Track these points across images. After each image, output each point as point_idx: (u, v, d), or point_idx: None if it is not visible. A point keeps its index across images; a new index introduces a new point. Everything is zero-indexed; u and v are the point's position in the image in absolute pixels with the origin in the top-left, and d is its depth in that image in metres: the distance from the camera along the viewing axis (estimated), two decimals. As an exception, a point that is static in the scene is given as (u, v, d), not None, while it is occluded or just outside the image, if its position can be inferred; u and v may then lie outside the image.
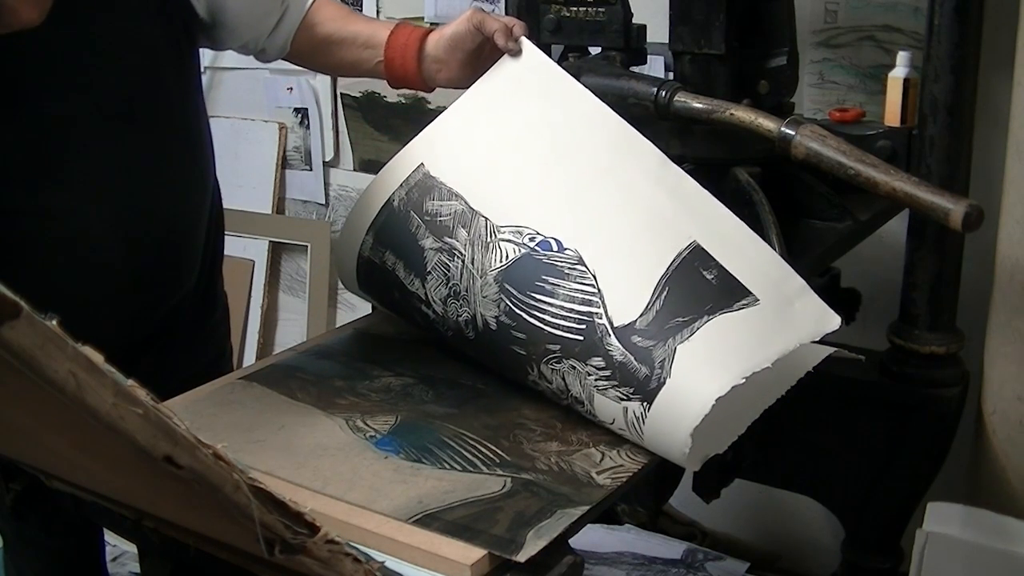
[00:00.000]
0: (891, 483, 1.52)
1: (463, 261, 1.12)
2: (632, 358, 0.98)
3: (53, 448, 0.81)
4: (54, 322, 0.54)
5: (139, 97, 1.20)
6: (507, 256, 1.09)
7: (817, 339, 1.00)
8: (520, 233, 1.10)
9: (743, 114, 1.23)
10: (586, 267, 1.05)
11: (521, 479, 0.96)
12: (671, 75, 1.50)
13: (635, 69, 1.44)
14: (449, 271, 1.13)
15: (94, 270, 1.21)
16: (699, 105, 1.26)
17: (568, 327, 1.03)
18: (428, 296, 1.15)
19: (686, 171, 1.12)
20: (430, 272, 1.15)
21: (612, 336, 1.00)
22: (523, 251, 1.08)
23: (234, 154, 2.55)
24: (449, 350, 1.21)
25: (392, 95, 2.34)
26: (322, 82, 2.45)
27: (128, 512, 0.93)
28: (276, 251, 2.64)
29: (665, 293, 1.01)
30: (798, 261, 1.12)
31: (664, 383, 0.96)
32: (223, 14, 1.28)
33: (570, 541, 0.89)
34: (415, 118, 2.24)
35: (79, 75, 1.14)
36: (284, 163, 2.57)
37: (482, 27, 1.23)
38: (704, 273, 1.03)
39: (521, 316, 1.06)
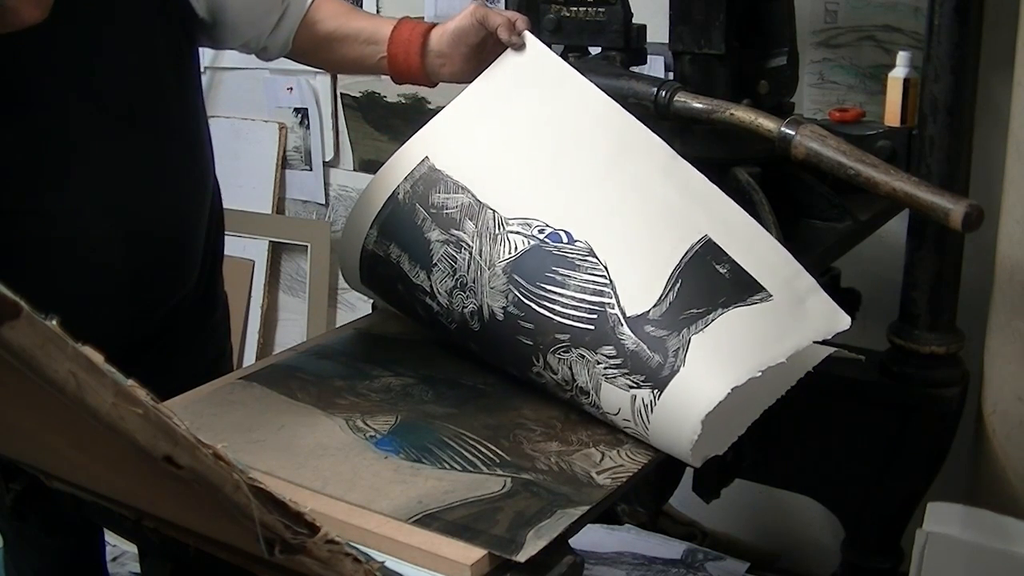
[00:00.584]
0: (891, 483, 1.52)
1: (471, 253, 1.12)
2: (645, 347, 0.99)
3: (53, 448, 0.81)
4: (54, 322, 0.54)
5: (139, 98, 1.20)
6: (516, 248, 1.09)
7: (828, 338, 1.01)
8: (529, 225, 1.10)
9: (743, 114, 1.23)
10: (597, 258, 1.05)
11: (521, 479, 0.96)
12: (671, 75, 1.50)
13: (635, 69, 1.44)
14: (456, 263, 1.13)
15: (94, 270, 1.21)
16: (699, 105, 1.26)
17: (579, 316, 1.03)
18: (433, 288, 1.15)
19: (688, 170, 1.12)
20: (436, 264, 1.15)
21: (624, 325, 1.01)
22: (532, 243, 1.09)
23: (234, 154, 2.55)
24: (450, 349, 1.21)
25: (392, 95, 2.34)
26: (322, 82, 2.45)
27: (128, 512, 0.93)
28: (276, 251, 2.64)
29: (678, 285, 1.02)
30: (798, 261, 1.12)
31: (678, 371, 0.96)
32: (223, 13, 1.28)
33: (570, 541, 0.89)
34: (415, 118, 2.23)
35: (79, 76, 1.14)
36: (284, 163, 2.57)
37: (485, 22, 1.23)
38: (717, 267, 1.04)
39: (530, 306, 1.06)
